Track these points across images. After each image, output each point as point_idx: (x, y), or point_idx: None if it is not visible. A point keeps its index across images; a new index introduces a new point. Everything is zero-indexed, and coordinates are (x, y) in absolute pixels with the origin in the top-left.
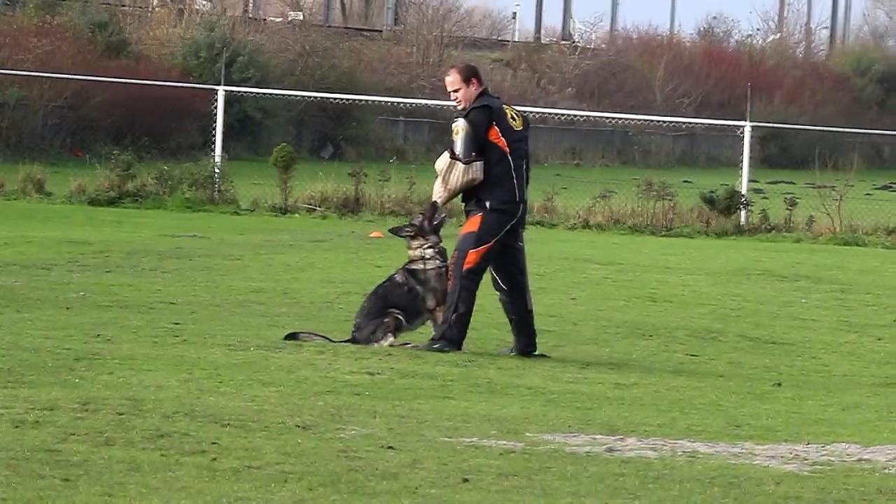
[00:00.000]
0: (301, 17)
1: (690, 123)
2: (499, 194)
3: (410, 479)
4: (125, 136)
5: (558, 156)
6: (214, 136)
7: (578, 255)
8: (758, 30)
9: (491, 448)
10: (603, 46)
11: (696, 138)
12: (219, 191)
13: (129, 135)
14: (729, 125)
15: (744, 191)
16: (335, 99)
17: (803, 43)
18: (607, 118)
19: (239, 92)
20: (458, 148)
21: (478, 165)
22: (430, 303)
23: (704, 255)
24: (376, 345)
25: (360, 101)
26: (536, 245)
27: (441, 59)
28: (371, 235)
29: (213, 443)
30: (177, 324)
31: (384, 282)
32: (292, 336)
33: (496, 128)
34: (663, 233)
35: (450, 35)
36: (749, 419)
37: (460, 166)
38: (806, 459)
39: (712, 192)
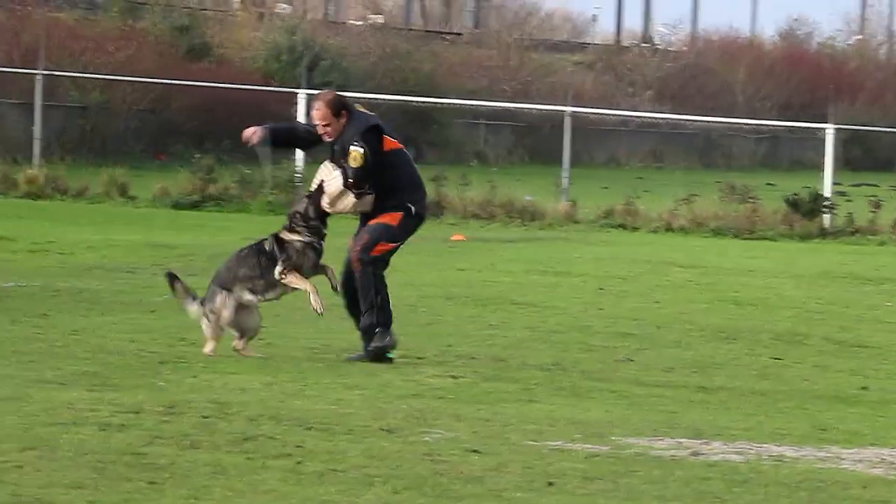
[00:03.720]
0: (381, 20)
1: (772, 126)
2: (420, 198)
3: (495, 482)
4: (207, 140)
5: (639, 158)
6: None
7: (661, 259)
8: (839, 31)
9: (576, 452)
10: (684, 49)
11: (779, 141)
12: (300, 195)
13: (211, 138)
14: (811, 127)
15: (827, 193)
16: (416, 102)
17: (886, 44)
18: (688, 121)
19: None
20: (354, 176)
21: (368, 199)
22: (278, 270)
23: (788, 257)
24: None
25: (441, 104)
26: (619, 248)
27: (522, 62)
28: (453, 239)
29: (297, 446)
30: (262, 327)
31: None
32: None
33: (386, 136)
34: (746, 236)
35: (530, 38)
36: (835, 423)
37: (352, 198)
38: (893, 463)
39: (795, 194)
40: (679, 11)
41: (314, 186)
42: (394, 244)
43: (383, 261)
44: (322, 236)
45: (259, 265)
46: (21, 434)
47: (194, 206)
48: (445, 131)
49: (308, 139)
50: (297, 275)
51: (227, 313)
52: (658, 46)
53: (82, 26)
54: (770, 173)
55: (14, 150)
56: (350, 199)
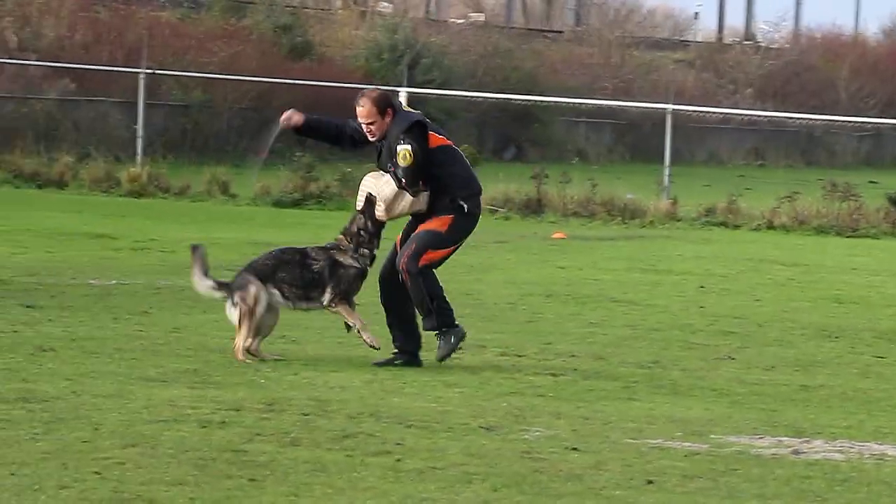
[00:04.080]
0: (482, 19)
1: (876, 124)
2: (472, 195)
3: (595, 480)
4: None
5: (741, 156)
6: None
7: (763, 257)
8: None
9: (676, 450)
10: (786, 46)
11: (883, 138)
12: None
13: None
14: None
15: None
16: (517, 100)
17: None
18: (791, 118)
19: (421, 93)
20: (405, 175)
21: (425, 196)
22: (327, 299)
23: (891, 256)
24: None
25: (542, 102)
26: (720, 246)
27: (623, 60)
28: (554, 237)
29: (397, 443)
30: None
31: (292, 249)
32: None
33: (432, 133)
34: (849, 234)
35: (631, 35)
36: None
37: (408, 198)
38: None
39: None
40: (781, 8)
41: (359, 203)
42: (445, 250)
43: (432, 269)
44: (373, 259)
45: (301, 278)
46: (123, 431)
47: (295, 204)
48: (546, 129)
49: (353, 138)
50: (348, 307)
51: (260, 308)
52: (760, 44)
53: (185, 25)
54: (873, 171)
55: (117, 148)
56: (407, 200)
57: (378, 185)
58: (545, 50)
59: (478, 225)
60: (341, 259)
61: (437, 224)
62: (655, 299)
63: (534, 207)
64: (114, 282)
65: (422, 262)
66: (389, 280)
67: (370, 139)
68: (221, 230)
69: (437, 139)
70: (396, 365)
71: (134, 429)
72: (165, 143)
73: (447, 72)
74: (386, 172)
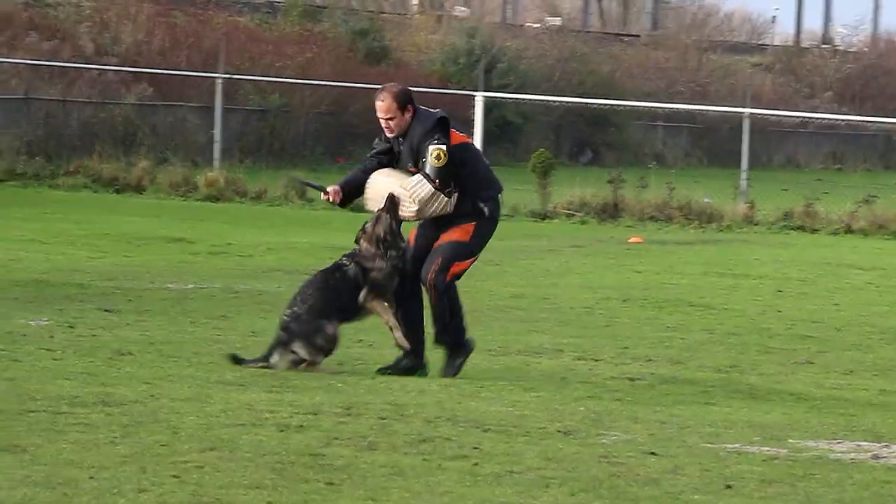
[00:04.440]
0: (559, 23)
1: None
2: (492, 196)
3: (672, 485)
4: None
5: (819, 160)
6: (473, 141)
7: (840, 261)
8: None
9: (753, 454)
10: (864, 50)
11: None
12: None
13: None
14: None
15: None
16: (594, 104)
17: None
18: (869, 122)
19: (497, 98)
20: (440, 175)
21: (454, 198)
22: (363, 295)
23: None
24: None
25: (619, 106)
26: (798, 250)
27: (700, 64)
28: (630, 241)
29: (474, 447)
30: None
31: (333, 270)
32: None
33: (453, 130)
34: None
35: (708, 39)
36: None
37: (442, 199)
38: None
39: None
40: (859, 12)
41: (371, 203)
42: (469, 261)
43: (456, 280)
44: (404, 254)
45: (350, 296)
46: (202, 435)
47: None
48: (623, 133)
49: (381, 163)
50: (383, 304)
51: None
52: (838, 47)
53: (262, 30)
54: None
55: (194, 153)
56: (441, 202)
57: (405, 184)
58: (622, 54)
59: (553, 227)
60: (370, 265)
61: (461, 234)
62: (733, 303)
63: (610, 212)
64: (191, 286)
65: (449, 276)
66: (402, 280)
67: (388, 135)
68: (298, 234)
69: (457, 137)
70: (403, 366)
71: (212, 432)
72: (242, 148)
73: (523, 76)
74: (407, 172)
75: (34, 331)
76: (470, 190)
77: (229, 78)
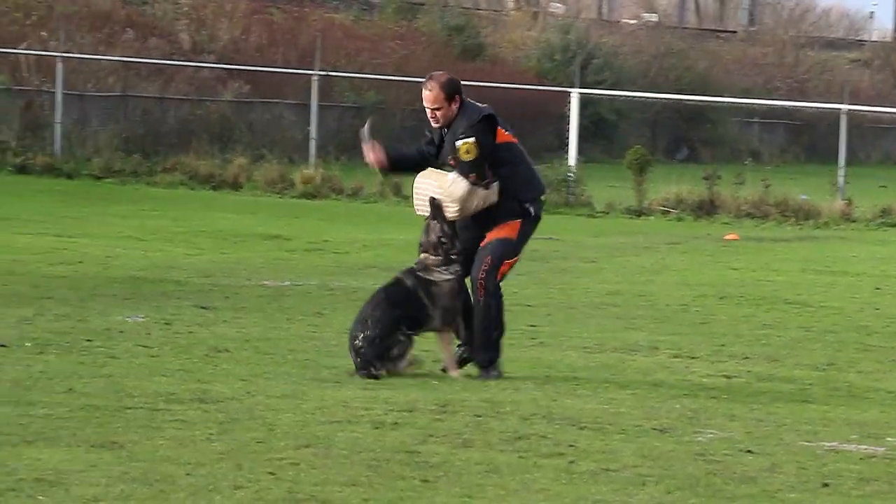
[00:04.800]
0: (655, 19)
1: None
2: (536, 197)
3: (769, 483)
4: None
5: None
6: (569, 138)
7: None
8: None
9: (851, 453)
10: None
11: None
12: (573, 193)
13: None
14: None
15: None
16: (690, 101)
17: None
18: None
19: (593, 94)
20: (472, 169)
21: (495, 188)
22: (438, 322)
23: None
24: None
25: (715, 102)
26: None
27: (797, 60)
28: (727, 238)
29: (570, 445)
30: (533, 326)
31: (390, 286)
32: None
33: (499, 128)
34: None
35: (806, 35)
36: None
37: (481, 192)
38: None
39: None
40: None
41: (418, 207)
42: (515, 259)
43: (502, 280)
44: (465, 259)
45: (415, 312)
46: (297, 432)
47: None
48: (720, 130)
49: (419, 162)
50: (448, 338)
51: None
52: None
53: (358, 27)
54: None
55: (291, 150)
56: (480, 195)
57: (442, 184)
58: (718, 50)
59: (649, 224)
60: (431, 277)
61: (508, 231)
62: (830, 301)
63: (706, 208)
64: (287, 283)
65: (499, 276)
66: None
67: (434, 125)
68: (393, 231)
69: (503, 135)
70: (465, 358)
71: (308, 429)
72: (338, 145)
73: (619, 72)
74: (446, 167)
75: (131, 328)
76: (509, 190)
77: (325, 75)
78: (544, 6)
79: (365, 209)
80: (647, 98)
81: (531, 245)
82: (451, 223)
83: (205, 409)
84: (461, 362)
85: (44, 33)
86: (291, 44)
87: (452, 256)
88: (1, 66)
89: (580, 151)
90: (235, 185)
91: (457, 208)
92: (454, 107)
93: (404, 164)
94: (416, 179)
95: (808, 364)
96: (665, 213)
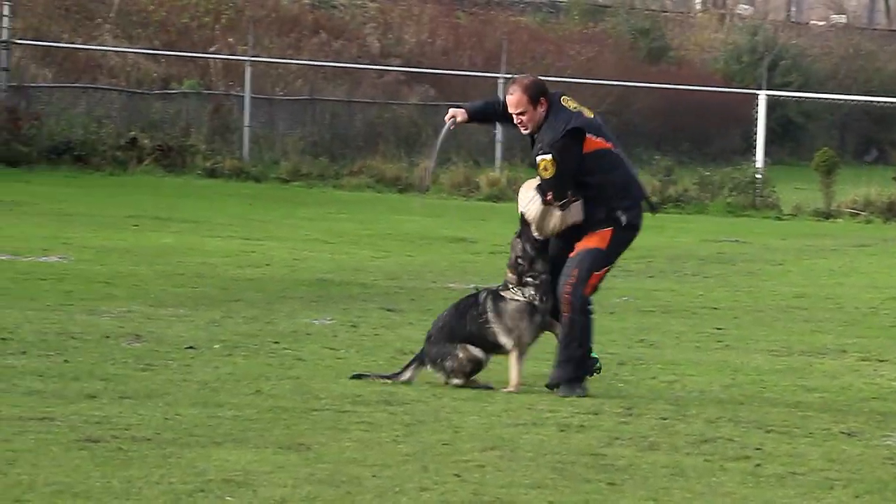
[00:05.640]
0: (844, 20)
1: None
2: (631, 205)
3: None
4: (665, 142)
5: None
6: (755, 141)
7: None
8: None
9: None
10: None
11: None
12: (760, 196)
13: (670, 140)
14: None
15: None
16: (879, 102)
17: None
18: None
19: (780, 96)
20: (550, 187)
21: (577, 207)
22: (504, 340)
23: None
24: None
25: None
26: None
27: None
28: None
29: (756, 448)
30: (719, 329)
31: (468, 297)
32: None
33: (589, 136)
34: None
35: None
36: None
37: (557, 213)
38: None
39: None
40: None
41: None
42: (605, 269)
43: (593, 294)
44: (548, 286)
45: (477, 327)
46: (483, 434)
47: (653, 207)
48: None
49: (508, 117)
50: (518, 358)
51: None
52: None
53: (543, 29)
54: None
55: (477, 153)
56: (557, 216)
57: (525, 201)
58: None
59: (837, 227)
60: (502, 293)
61: (597, 240)
62: None
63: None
64: (472, 286)
65: (587, 290)
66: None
67: (522, 132)
68: None
69: (593, 143)
70: (596, 370)
71: (493, 432)
72: (524, 148)
73: (807, 74)
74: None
75: (318, 330)
76: (601, 198)
77: (511, 78)
78: (732, 8)
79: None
80: (835, 100)
81: (717, 247)
82: (537, 244)
83: (391, 412)
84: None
85: (230, 39)
86: (477, 47)
87: (527, 279)
88: (190, 70)
89: (767, 154)
90: (422, 188)
91: (533, 228)
92: (541, 110)
93: (486, 113)
94: (521, 188)
95: None
96: (854, 215)
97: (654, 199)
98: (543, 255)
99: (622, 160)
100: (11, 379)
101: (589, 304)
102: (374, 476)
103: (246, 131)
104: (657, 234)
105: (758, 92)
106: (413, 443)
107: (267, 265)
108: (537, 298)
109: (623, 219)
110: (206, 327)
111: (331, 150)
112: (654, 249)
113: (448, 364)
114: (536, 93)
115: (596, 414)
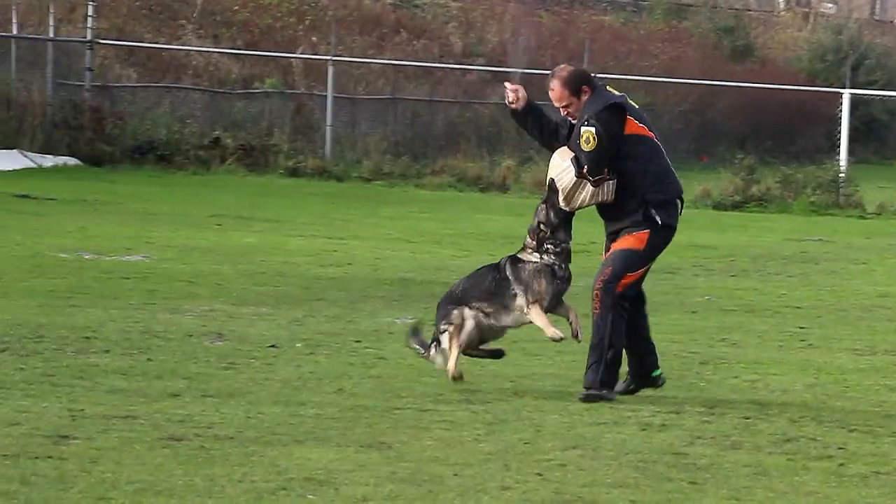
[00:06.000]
0: None
1: None
2: (666, 202)
3: None
4: (748, 140)
5: None
6: (839, 139)
7: None
8: None
9: None
10: None
11: None
12: (844, 195)
13: (753, 139)
14: None
15: None
16: None
17: None
18: None
19: (864, 95)
20: (588, 161)
21: (609, 187)
22: (521, 300)
23: None
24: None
25: None
26: None
27: None
28: None
29: (839, 448)
30: (802, 328)
31: (491, 263)
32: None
33: (631, 118)
34: None
35: None
36: None
37: (589, 188)
38: None
39: None
40: None
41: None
42: (642, 270)
43: (627, 297)
44: (568, 254)
45: (490, 290)
46: (564, 433)
47: (735, 206)
48: None
49: (552, 130)
50: (539, 310)
51: (467, 328)
52: None
53: (626, 28)
54: None
55: None
56: (588, 191)
57: (559, 170)
58: None
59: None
60: (521, 256)
61: (634, 241)
62: None
63: None
64: None
65: (619, 288)
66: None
67: (572, 121)
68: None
69: (635, 127)
70: (631, 391)
71: (575, 431)
72: None
73: (892, 73)
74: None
75: (400, 329)
76: (635, 187)
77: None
78: (816, 6)
79: None
80: None
81: (800, 246)
82: (561, 214)
83: (472, 410)
84: (625, 392)
85: (314, 38)
86: (560, 46)
87: (547, 246)
88: (273, 69)
89: (851, 152)
90: (503, 187)
91: (561, 198)
92: (584, 98)
93: (538, 121)
94: (553, 156)
95: None
96: None
97: (737, 198)
98: (567, 225)
99: (661, 152)
100: (95, 377)
101: (624, 302)
102: (455, 475)
103: (328, 130)
104: (740, 232)
105: (842, 90)
106: (495, 441)
107: (349, 264)
108: (557, 264)
109: (658, 218)
110: (288, 326)
111: (412, 150)
112: (736, 248)
113: (442, 326)
114: (577, 83)
115: (678, 413)
